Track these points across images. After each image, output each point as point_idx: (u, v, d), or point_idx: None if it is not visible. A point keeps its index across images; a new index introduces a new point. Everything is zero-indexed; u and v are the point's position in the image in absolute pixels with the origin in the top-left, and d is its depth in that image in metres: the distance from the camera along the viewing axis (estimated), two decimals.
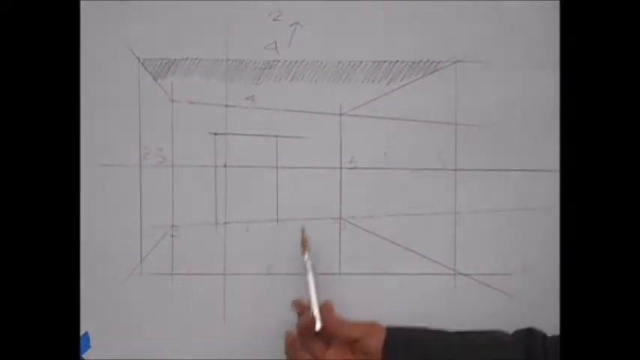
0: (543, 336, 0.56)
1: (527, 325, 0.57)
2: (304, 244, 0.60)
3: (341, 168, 0.62)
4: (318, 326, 0.57)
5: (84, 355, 0.62)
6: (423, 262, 0.63)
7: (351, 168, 0.62)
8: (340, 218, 0.63)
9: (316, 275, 0.59)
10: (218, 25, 0.62)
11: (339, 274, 0.62)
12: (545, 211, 0.61)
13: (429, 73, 0.62)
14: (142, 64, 0.62)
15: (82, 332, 0.62)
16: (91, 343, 0.62)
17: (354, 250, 0.63)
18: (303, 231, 0.61)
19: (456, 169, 0.62)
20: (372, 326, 0.58)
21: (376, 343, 0.57)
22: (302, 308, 0.59)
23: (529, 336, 0.56)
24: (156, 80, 0.62)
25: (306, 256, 0.59)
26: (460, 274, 0.63)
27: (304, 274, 0.58)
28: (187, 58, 0.62)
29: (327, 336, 0.58)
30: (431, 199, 0.62)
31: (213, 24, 0.62)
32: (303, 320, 0.58)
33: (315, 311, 0.57)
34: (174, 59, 0.62)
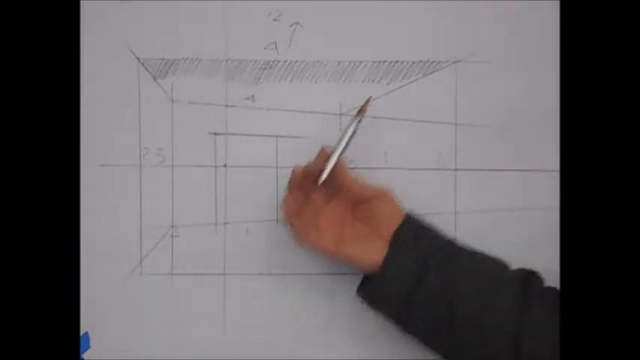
0: (542, 280, 0.56)
1: None
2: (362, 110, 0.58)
3: None
4: (322, 177, 0.55)
5: (84, 355, 0.62)
6: None
7: (351, 168, 0.62)
8: None
9: (350, 137, 0.56)
10: (218, 25, 0.62)
11: (339, 274, 0.62)
12: (546, 211, 0.61)
13: (429, 73, 0.62)
14: (142, 64, 0.62)
15: (82, 332, 0.62)
16: (91, 343, 0.62)
17: None
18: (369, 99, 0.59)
19: (456, 169, 0.62)
20: (385, 193, 0.57)
21: (385, 212, 0.55)
22: (322, 155, 0.56)
23: (529, 275, 0.56)
24: (156, 80, 0.62)
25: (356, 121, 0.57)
26: None
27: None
28: (187, 58, 0.62)
29: (333, 189, 0.56)
30: (431, 199, 0.62)
31: (213, 24, 0.62)
32: (314, 164, 0.56)
33: (330, 165, 0.55)
34: (174, 59, 0.62)
